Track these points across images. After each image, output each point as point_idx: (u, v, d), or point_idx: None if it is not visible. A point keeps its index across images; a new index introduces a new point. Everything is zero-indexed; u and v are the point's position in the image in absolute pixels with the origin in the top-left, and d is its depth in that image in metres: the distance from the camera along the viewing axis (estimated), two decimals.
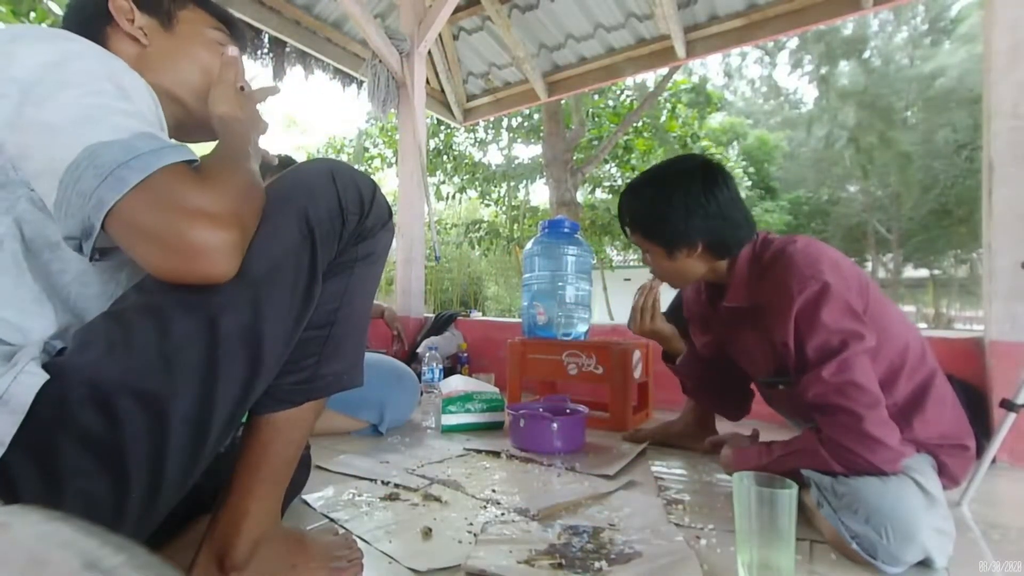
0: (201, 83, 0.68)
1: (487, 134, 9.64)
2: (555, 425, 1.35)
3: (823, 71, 14.17)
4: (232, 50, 0.71)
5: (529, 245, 2.00)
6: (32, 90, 0.48)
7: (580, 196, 7.63)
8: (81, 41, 0.53)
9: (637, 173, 1.12)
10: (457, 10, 3.10)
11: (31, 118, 0.48)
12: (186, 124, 0.69)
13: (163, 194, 0.46)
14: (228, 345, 0.51)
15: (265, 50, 2.94)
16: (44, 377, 0.45)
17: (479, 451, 1.35)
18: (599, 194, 9.56)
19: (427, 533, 0.85)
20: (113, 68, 0.52)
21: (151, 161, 0.47)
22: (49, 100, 0.48)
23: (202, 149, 0.60)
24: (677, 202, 1.00)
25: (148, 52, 0.65)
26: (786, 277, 0.90)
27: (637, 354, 1.70)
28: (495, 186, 10.11)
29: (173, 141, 0.51)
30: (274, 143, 21.05)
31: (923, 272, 15.31)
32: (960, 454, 0.93)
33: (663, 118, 8.24)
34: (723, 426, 1.45)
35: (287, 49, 3.00)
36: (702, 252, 1.03)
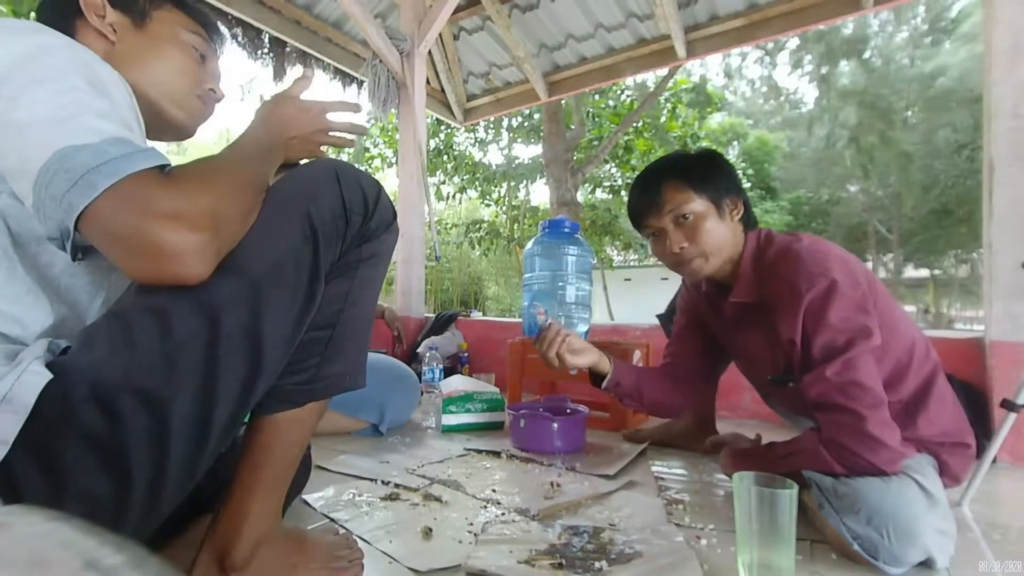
0: (169, 83, 0.67)
1: (487, 134, 9.65)
2: (555, 425, 1.35)
3: (823, 71, 14.16)
4: (308, 72, 0.74)
5: (529, 245, 2.00)
6: (4, 85, 0.47)
7: (580, 196, 7.63)
8: (53, 34, 0.53)
9: (637, 173, 1.11)
10: (457, 10, 3.10)
11: (3, 116, 0.47)
12: (152, 123, 0.67)
13: (132, 198, 0.46)
14: (229, 345, 0.51)
15: (265, 50, 2.94)
16: (47, 376, 0.45)
17: (479, 451, 1.35)
18: (599, 194, 9.56)
19: (427, 533, 0.85)
20: (86, 61, 0.52)
21: (122, 166, 0.46)
22: (21, 97, 0.47)
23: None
24: (723, 160, 1.05)
25: (116, 50, 0.64)
26: (794, 275, 0.90)
27: (637, 354, 1.70)
28: (495, 186, 10.12)
29: (147, 144, 0.51)
30: None
31: (923, 272, 15.31)
32: (961, 453, 0.93)
33: (663, 118, 8.24)
34: (724, 426, 1.45)
35: (287, 49, 3.00)
36: (741, 217, 1.03)
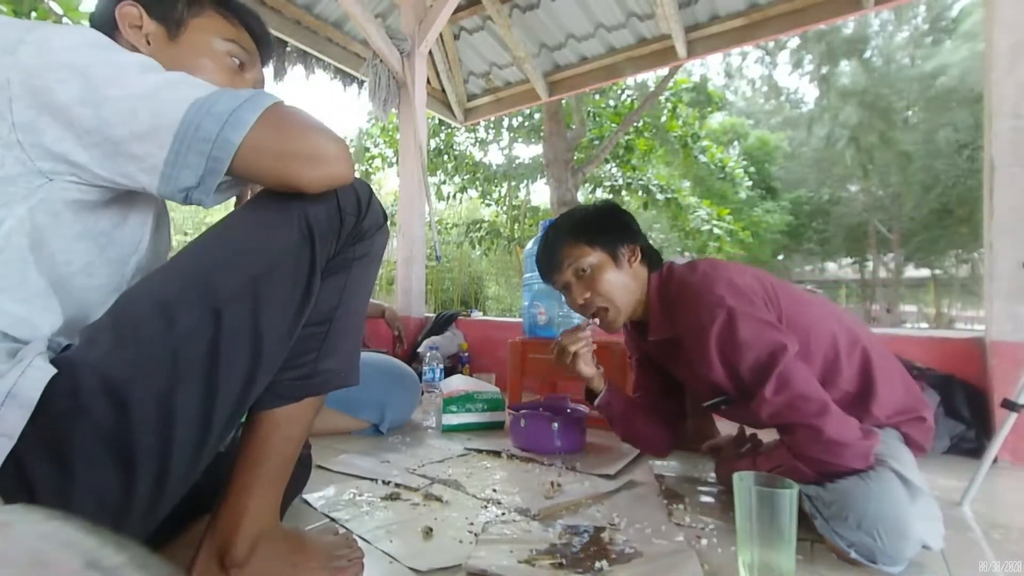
0: None
1: (488, 134, 9.63)
2: (556, 425, 1.35)
3: (824, 71, 14.15)
4: None
5: (530, 245, 2.00)
6: (91, 71, 0.50)
7: (581, 196, 7.62)
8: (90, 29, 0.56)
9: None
10: (458, 10, 3.10)
11: (114, 93, 0.49)
12: None
13: (283, 122, 0.54)
14: (232, 338, 0.52)
15: None
16: (51, 371, 0.46)
17: (480, 451, 1.35)
18: (600, 194, 9.51)
19: (428, 533, 0.85)
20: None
21: (259, 103, 0.53)
22: (121, 77, 0.50)
23: None
24: (617, 212, 1.11)
25: None
26: (694, 311, 0.93)
27: None
28: (496, 186, 10.10)
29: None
30: None
31: (924, 272, 15.28)
32: (919, 425, 0.94)
33: (664, 118, 8.22)
34: (724, 426, 1.45)
35: (288, 49, 2.99)
36: (641, 260, 1.08)
